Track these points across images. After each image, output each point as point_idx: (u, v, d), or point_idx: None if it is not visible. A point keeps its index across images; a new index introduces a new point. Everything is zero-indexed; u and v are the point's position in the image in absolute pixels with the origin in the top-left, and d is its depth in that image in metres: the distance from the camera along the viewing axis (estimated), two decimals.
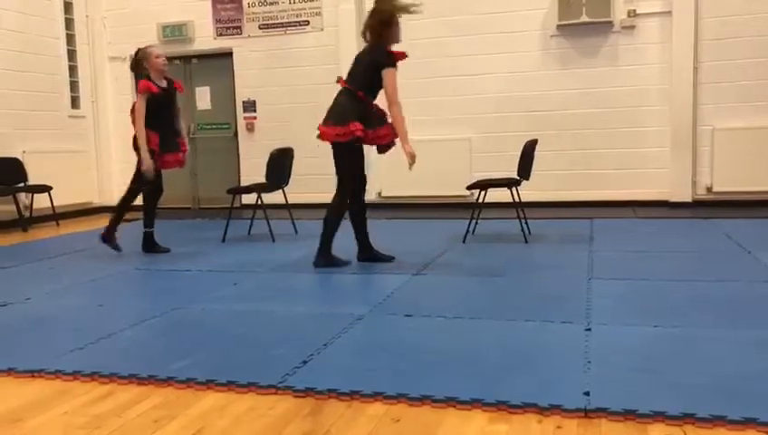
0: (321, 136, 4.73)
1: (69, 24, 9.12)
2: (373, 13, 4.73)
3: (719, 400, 2.30)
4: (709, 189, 7.63)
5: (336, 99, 4.78)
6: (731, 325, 3.18)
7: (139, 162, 5.47)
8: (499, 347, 2.98)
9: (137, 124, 5.33)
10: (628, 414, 2.21)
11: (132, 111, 5.44)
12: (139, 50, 5.49)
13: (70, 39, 9.14)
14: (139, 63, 5.43)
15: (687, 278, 4.22)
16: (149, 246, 5.77)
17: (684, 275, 4.30)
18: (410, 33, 8.46)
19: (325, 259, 4.84)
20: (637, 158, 7.81)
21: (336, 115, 4.69)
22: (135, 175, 5.61)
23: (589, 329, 3.16)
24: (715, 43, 7.48)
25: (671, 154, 7.64)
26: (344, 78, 4.84)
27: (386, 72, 4.61)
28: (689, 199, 7.61)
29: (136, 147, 5.42)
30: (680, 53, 7.49)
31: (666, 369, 2.63)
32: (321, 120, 4.79)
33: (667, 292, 3.89)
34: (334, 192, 4.84)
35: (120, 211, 5.75)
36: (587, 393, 2.38)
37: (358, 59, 4.82)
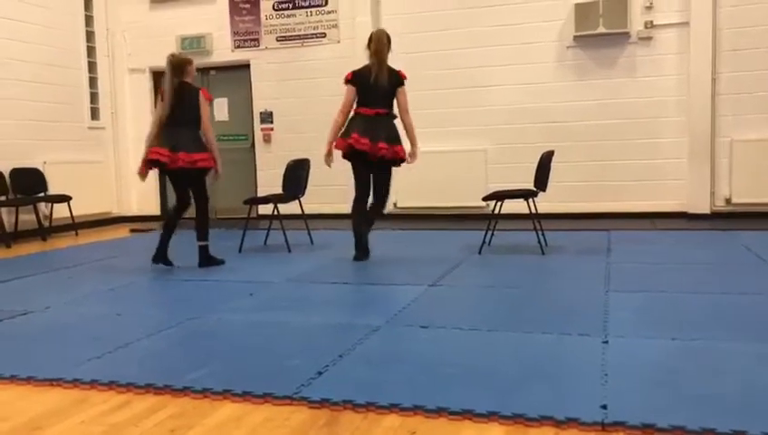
0: (396, 154, 5.38)
1: (90, 36, 9.26)
2: (382, 35, 5.54)
3: (739, 414, 2.27)
4: (728, 201, 7.56)
5: (384, 122, 5.38)
6: (751, 338, 3.14)
7: (201, 175, 5.47)
8: (516, 359, 2.97)
9: (211, 132, 5.45)
10: (647, 428, 2.19)
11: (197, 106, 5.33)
12: (178, 54, 5.51)
13: (90, 51, 9.26)
14: (183, 68, 5.37)
15: (706, 291, 4.18)
16: (209, 259, 5.60)
17: (703, 288, 4.26)
18: (427, 45, 8.55)
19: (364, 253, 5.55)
20: (654, 169, 7.76)
21: (396, 138, 5.42)
22: (203, 190, 5.55)
23: (606, 342, 3.14)
24: (734, 54, 7.44)
25: (689, 165, 7.58)
26: (370, 104, 5.36)
27: (404, 90, 5.47)
28: (708, 211, 7.55)
29: (194, 160, 5.30)
30: (698, 64, 7.46)
31: (685, 382, 2.60)
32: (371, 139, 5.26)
33: (685, 304, 3.86)
34: (379, 203, 5.63)
35: (207, 231, 5.62)
36: (604, 407, 2.36)
37: (378, 84, 5.36)
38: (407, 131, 5.49)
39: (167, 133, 5.31)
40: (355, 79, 5.43)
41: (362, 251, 5.56)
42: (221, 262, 5.65)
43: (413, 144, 5.50)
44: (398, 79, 5.44)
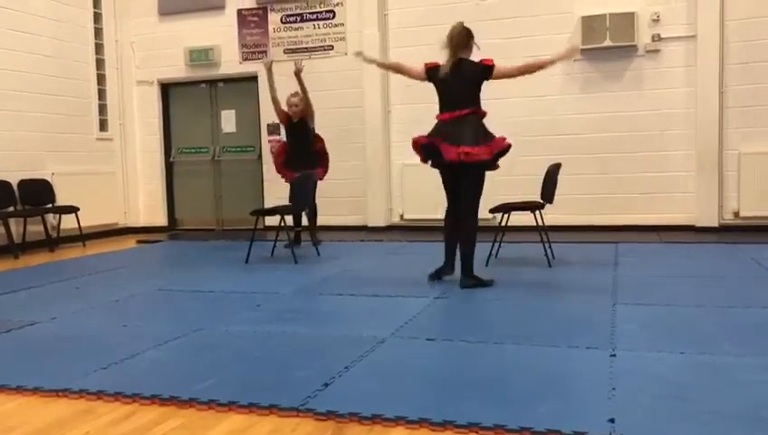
0: (476, 157, 4.71)
1: (98, 48, 9.31)
2: (461, 29, 4.88)
3: (749, 429, 2.25)
4: (736, 214, 7.53)
5: (468, 122, 4.81)
6: (760, 353, 3.12)
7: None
8: (523, 372, 2.95)
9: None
10: None
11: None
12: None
13: (99, 63, 9.32)
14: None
15: (714, 304, 4.15)
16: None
17: (711, 301, 4.23)
18: (433, 57, 8.54)
19: (475, 280, 4.84)
20: (662, 182, 7.74)
21: (485, 135, 4.85)
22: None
23: (614, 355, 3.12)
24: (742, 67, 7.42)
25: (697, 178, 7.56)
26: (451, 106, 4.82)
27: (498, 69, 4.89)
28: (716, 224, 7.51)
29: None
30: (705, 77, 7.45)
31: (693, 397, 2.58)
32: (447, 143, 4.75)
33: (693, 318, 3.84)
34: (465, 216, 4.89)
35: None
36: (612, 420, 2.34)
37: (454, 81, 4.81)
38: (522, 70, 5.03)
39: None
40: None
41: (450, 266, 5.01)
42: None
43: (547, 64, 4.99)
44: (481, 70, 4.87)
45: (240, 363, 3.23)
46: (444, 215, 5.09)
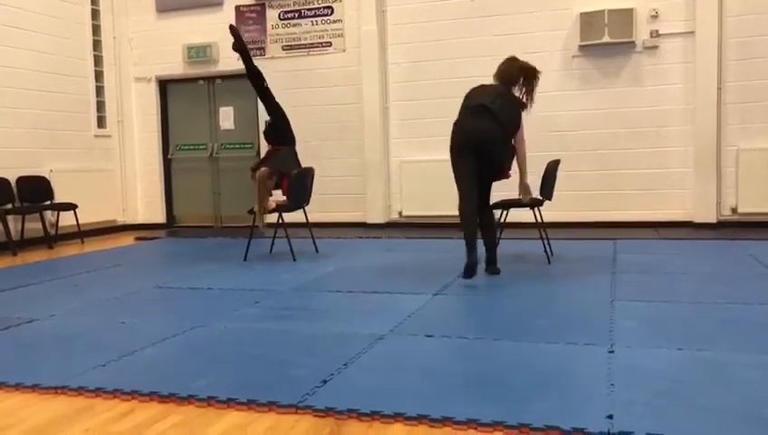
0: None
1: (96, 45, 9.30)
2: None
3: (747, 426, 2.26)
4: (734, 210, 7.53)
5: None
6: (758, 349, 3.12)
7: None
8: (521, 369, 2.96)
9: None
10: None
11: None
12: None
13: (97, 60, 9.30)
14: None
15: (713, 301, 4.15)
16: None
17: (709, 298, 4.24)
18: (431, 54, 8.57)
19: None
20: (660, 178, 7.74)
21: None
22: None
23: (612, 351, 3.12)
24: (740, 64, 7.43)
25: (695, 175, 7.56)
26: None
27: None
28: (714, 220, 7.52)
29: None
30: (704, 74, 7.45)
31: (691, 393, 2.58)
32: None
33: (691, 314, 3.84)
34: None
35: None
36: (610, 416, 2.34)
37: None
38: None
39: None
40: None
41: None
42: None
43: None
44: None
45: (239, 360, 3.24)
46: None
